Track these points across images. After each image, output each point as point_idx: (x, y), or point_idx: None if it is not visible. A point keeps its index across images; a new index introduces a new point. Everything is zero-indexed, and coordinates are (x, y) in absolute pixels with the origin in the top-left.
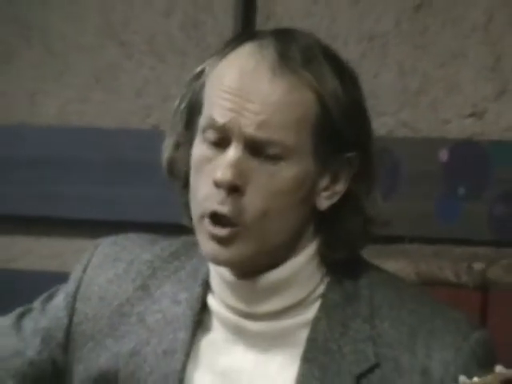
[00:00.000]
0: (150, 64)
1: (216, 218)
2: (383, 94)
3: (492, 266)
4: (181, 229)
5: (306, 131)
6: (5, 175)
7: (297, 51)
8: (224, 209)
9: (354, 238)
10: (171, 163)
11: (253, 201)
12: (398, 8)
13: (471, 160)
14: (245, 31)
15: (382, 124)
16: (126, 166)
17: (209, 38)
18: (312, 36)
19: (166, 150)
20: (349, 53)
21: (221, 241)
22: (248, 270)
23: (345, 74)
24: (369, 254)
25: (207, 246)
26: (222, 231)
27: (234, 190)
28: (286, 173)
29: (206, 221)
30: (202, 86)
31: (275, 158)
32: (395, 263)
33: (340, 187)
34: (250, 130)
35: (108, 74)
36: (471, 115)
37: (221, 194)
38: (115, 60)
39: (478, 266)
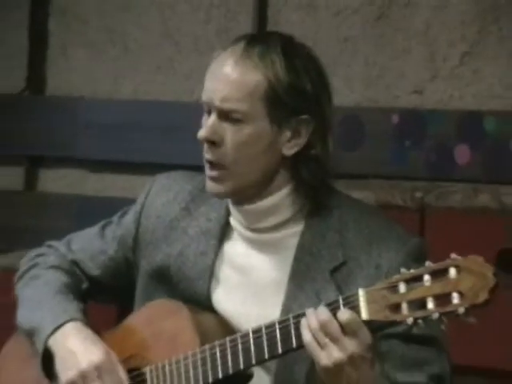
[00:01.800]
0: (194, 58)
1: (211, 164)
2: (353, 78)
3: (427, 194)
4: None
5: (258, 101)
6: (96, 135)
7: (258, 47)
8: (208, 156)
9: (313, 178)
10: None
11: (227, 151)
12: (364, 19)
13: (413, 123)
14: (246, 34)
15: (352, 98)
16: (178, 127)
17: (232, 26)
18: (286, 36)
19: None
20: (329, 50)
21: (213, 179)
22: (240, 200)
23: (291, 55)
24: (342, 186)
25: (207, 183)
26: (213, 173)
27: (211, 143)
28: (246, 130)
29: (206, 165)
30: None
31: (237, 121)
32: (360, 193)
33: (301, 140)
34: (217, 103)
35: (166, 64)
36: (414, 92)
37: (206, 146)
38: (171, 54)
39: (418, 194)
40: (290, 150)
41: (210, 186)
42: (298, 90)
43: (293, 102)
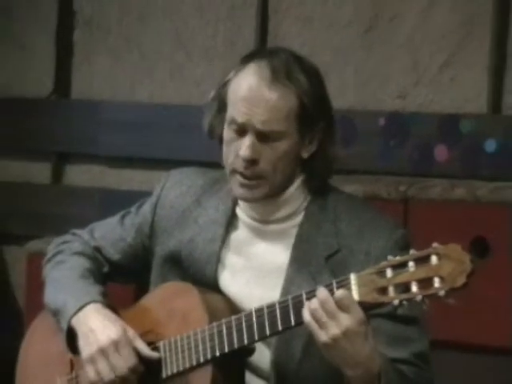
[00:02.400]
0: (203, 66)
1: (244, 176)
2: (345, 84)
3: (410, 188)
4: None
5: (292, 120)
6: (116, 134)
7: (281, 67)
8: (247, 172)
9: (323, 172)
10: (210, 131)
11: (264, 166)
12: (355, 31)
13: (398, 124)
14: (251, 51)
15: (344, 102)
16: (189, 127)
17: (240, 50)
18: (290, 52)
19: (206, 125)
20: (324, 59)
21: (248, 187)
22: (263, 200)
23: (312, 76)
24: (335, 180)
25: (239, 190)
26: (248, 182)
27: (251, 162)
28: (282, 147)
29: (238, 176)
30: (226, 91)
31: (275, 140)
32: (350, 186)
33: (315, 145)
34: (258, 126)
35: (178, 71)
36: (398, 97)
37: (244, 163)
38: (182, 62)
39: (401, 188)
40: (307, 153)
41: (243, 192)
42: (319, 101)
43: (316, 114)
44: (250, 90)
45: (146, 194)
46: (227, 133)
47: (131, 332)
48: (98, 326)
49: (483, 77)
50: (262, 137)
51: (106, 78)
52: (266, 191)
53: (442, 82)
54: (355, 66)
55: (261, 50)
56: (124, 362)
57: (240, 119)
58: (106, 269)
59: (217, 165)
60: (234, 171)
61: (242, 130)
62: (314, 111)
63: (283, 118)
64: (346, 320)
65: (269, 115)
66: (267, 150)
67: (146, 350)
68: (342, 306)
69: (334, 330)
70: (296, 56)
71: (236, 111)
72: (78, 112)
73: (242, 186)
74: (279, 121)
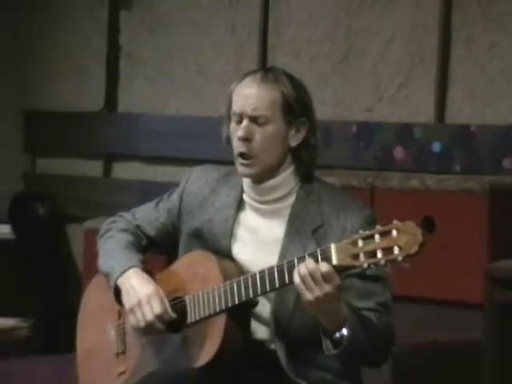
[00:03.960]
0: (217, 87)
1: (242, 156)
2: (326, 101)
3: (375, 180)
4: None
5: (276, 110)
6: (152, 139)
7: (271, 75)
8: (242, 149)
9: (309, 161)
10: (226, 140)
11: (256, 145)
12: (332, 61)
13: (366, 131)
14: (252, 70)
15: (325, 115)
16: (207, 134)
17: (243, 66)
18: (280, 69)
19: (223, 135)
20: (309, 82)
21: (245, 165)
22: (259, 179)
23: (295, 84)
24: (318, 174)
25: (241, 169)
26: (245, 161)
27: (245, 140)
28: (269, 130)
29: (239, 158)
30: (231, 99)
31: (263, 124)
32: (330, 178)
33: (300, 135)
34: (250, 112)
35: (199, 91)
36: (366, 111)
37: (241, 142)
38: (202, 85)
39: (369, 179)
40: (294, 142)
41: (243, 169)
42: (300, 100)
43: (297, 109)
44: (244, 88)
45: (175, 185)
46: (232, 126)
47: (161, 291)
48: (136, 284)
49: (430, 95)
50: (253, 121)
51: (144, 97)
52: (258, 169)
53: (399, 99)
54: (333, 87)
55: (258, 69)
56: (153, 312)
57: (238, 109)
58: (144, 242)
59: (227, 162)
60: (237, 155)
61: (239, 119)
62: (295, 107)
63: (269, 106)
64: (327, 287)
65: (257, 103)
66: (258, 132)
67: (169, 311)
68: (325, 276)
69: (318, 292)
70: (285, 72)
71: (236, 105)
72: (122, 123)
73: (242, 165)
74: (266, 108)
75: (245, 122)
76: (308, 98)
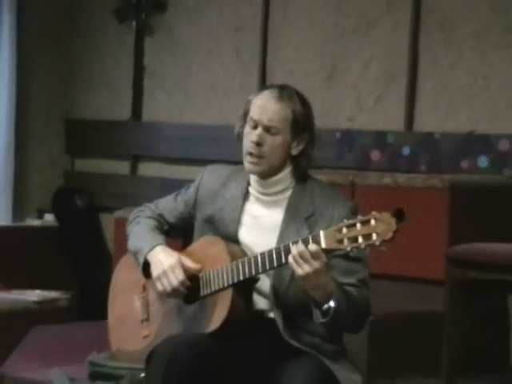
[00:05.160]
0: (226, 99)
1: (251, 155)
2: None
3: (356, 178)
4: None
5: (287, 125)
6: (171, 143)
7: (285, 93)
8: (255, 151)
9: (305, 166)
10: (238, 135)
11: (266, 149)
12: (319, 79)
13: (348, 137)
14: (265, 85)
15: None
16: (217, 139)
17: (248, 90)
18: (293, 88)
19: (235, 130)
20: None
21: (254, 164)
22: (264, 175)
23: (305, 103)
24: (309, 172)
25: (248, 166)
26: (254, 160)
27: (258, 144)
28: (278, 140)
29: (248, 156)
30: (249, 105)
31: (274, 134)
32: (318, 177)
33: (301, 146)
34: (265, 122)
35: (210, 103)
36: (349, 120)
37: (253, 145)
38: (212, 97)
39: (350, 177)
40: (295, 151)
41: (250, 167)
42: (306, 116)
43: (302, 125)
44: (263, 101)
45: (190, 181)
46: (247, 129)
47: (184, 259)
48: (162, 257)
49: (401, 107)
50: (267, 130)
51: (164, 108)
52: (264, 168)
53: (376, 111)
54: (321, 100)
55: (274, 84)
56: (176, 278)
57: (255, 117)
58: (165, 227)
59: (234, 162)
60: (247, 153)
61: (255, 125)
62: (302, 124)
63: (281, 120)
64: (315, 264)
65: (272, 116)
66: (269, 140)
67: (192, 266)
68: (314, 256)
69: (307, 269)
70: (297, 90)
71: (254, 113)
72: (146, 129)
73: (250, 163)
74: (279, 121)
75: (259, 130)
76: (311, 113)
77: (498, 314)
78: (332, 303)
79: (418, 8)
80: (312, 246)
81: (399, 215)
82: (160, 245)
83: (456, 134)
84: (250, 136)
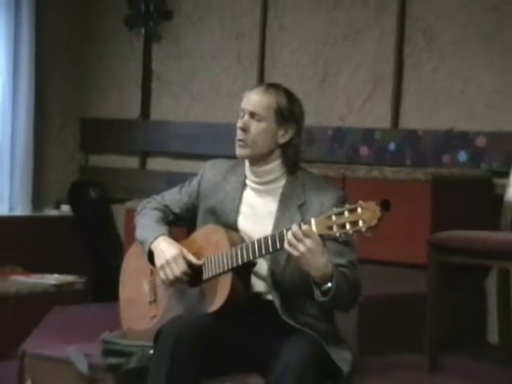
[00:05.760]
0: (227, 100)
1: (239, 140)
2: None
3: (346, 171)
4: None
5: (271, 112)
6: (177, 140)
7: (272, 88)
8: (240, 136)
9: (293, 156)
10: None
11: (251, 134)
12: (313, 82)
13: (339, 135)
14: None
15: (308, 121)
16: (219, 136)
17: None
18: (281, 86)
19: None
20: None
21: (240, 146)
22: (254, 162)
23: (291, 98)
24: (303, 166)
25: (237, 149)
26: (241, 143)
27: (243, 129)
28: (262, 126)
29: (237, 141)
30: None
31: (259, 120)
32: (312, 169)
33: (288, 135)
34: (251, 108)
35: (213, 104)
36: (339, 119)
37: (240, 130)
38: (215, 99)
39: (341, 171)
40: (282, 140)
41: (238, 150)
42: (290, 110)
43: (287, 115)
44: (251, 93)
45: (194, 175)
46: (239, 118)
47: (185, 250)
48: (165, 247)
49: (388, 107)
50: (252, 116)
51: (171, 108)
52: (251, 152)
53: (364, 110)
54: (314, 101)
55: (266, 83)
56: (178, 268)
57: (242, 105)
58: (171, 218)
59: (235, 157)
60: (236, 140)
61: (242, 114)
62: (286, 113)
63: (265, 108)
64: (308, 242)
65: (256, 104)
66: (253, 125)
67: (194, 260)
68: (305, 234)
69: (302, 248)
70: (286, 88)
71: (242, 103)
72: (154, 128)
73: (238, 146)
74: (262, 109)
75: (246, 117)
76: (299, 109)
77: (476, 295)
78: (332, 284)
79: (403, 17)
80: (304, 226)
81: (385, 206)
82: (162, 235)
83: (437, 131)
84: (238, 123)
